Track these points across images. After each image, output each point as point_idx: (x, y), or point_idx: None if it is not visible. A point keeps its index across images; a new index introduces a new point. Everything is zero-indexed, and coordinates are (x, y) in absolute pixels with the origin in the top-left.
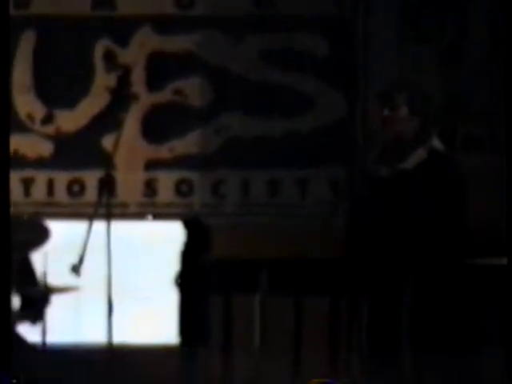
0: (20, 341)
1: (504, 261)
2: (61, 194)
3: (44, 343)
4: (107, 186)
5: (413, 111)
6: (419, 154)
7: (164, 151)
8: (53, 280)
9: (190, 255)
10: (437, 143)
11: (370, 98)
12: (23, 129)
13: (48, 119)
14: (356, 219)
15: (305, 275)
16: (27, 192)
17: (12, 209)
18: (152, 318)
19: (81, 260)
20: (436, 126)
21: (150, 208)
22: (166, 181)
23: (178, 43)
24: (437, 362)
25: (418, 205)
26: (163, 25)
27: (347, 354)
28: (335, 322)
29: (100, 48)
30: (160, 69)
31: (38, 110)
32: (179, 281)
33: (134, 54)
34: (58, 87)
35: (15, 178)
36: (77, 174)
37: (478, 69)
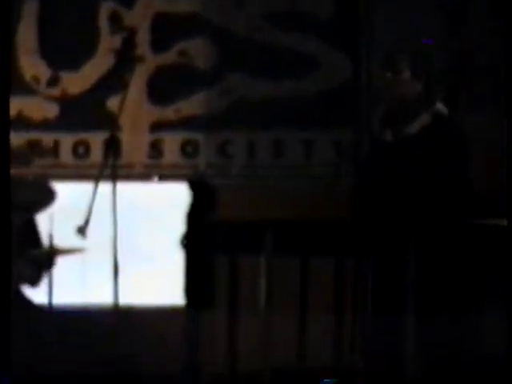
0: (26, 302)
1: (504, 222)
2: (66, 155)
3: (50, 305)
4: (113, 147)
5: (415, 74)
6: (423, 119)
7: (169, 113)
8: (59, 242)
9: (195, 216)
10: (441, 107)
11: (374, 60)
12: (28, 91)
13: (53, 81)
14: (360, 181)
15: (310, 236)
16: (32, 154)
17: (17, 171)
18: (158, 279)
19: (86, 222)
20: (439, 90)
21: (155, 169)
22: (171, 142)
23: (183, 4)
24: (439, 322)
25: (421, 167)
26: None
27: (352, 314)
28: (340, 283)
29: (105, 10)
30: (165, 30)
31: (44, 72)
32: (185, 242)
33: (139, 16)
34: (63, 49)
35: (21, 140)
36: (82, 135)
37: (481, 30)
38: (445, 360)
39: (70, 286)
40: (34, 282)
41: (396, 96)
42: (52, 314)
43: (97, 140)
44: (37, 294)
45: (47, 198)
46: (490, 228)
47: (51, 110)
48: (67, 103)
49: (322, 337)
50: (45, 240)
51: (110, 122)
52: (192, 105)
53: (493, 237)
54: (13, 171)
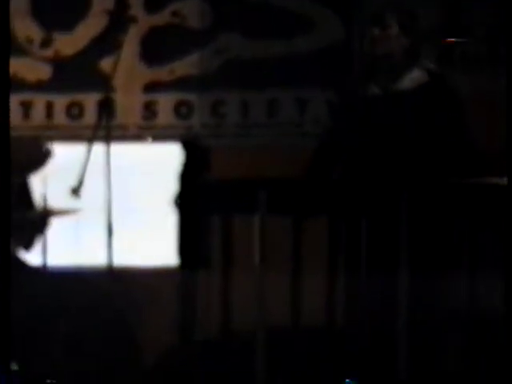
0: (20, 264)
1: (504, 181)
2: (60, 116)
3: (44, 266)
4: (106, 108)
5: (403, 30)
6: (414, 76)
7: (163, 73)
8: (52, 203)
9: (189, 176)
10: (428, 64)
11: (366, 20)
12: (21, 52)
13: (46, 42)
14: (350, 140)
15: (303, 195)
16: (26, 115)
17: (11, 132)
18: (152, 240)
19: (80, 182)
20: (430, 47)
21: (149, 130)
22: (165, 103)
23: None
24: (434, 282)
25: (414, 124)
26: None
27: (345, 273)
28: (333, 242)
29: None
30: None
31: (36, 34)
32: (178, 202)
33: None
34: (56, 10)
35: (14, 101)
36: (76, 96)
37: None
38: (438, 320)
39: (64, 247)
40: (27, 243)
41: (382, 51)
42: (46, 276)
43: (90, 101)
44: (31, 256)
45: (41, 158)
46: (489, 187)
47: (44, 71)
48: (60, 64)
49: (316, 296)
50: (38, 201)
51: (103, 83)
52: (185, 65)
53: (492, 196)
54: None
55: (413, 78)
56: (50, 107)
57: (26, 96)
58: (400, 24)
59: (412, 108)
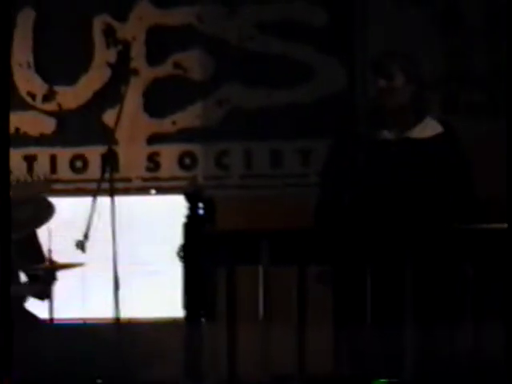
0: (28, 317)
1: (504, 226)
2: (64, 170)
3: (51, 319)
4: (110, 161)
5: (409, 79)
6: (427, 124)
7: (166, 125)
8: (58, 257)
9: (193, 228)
10: (437, 112)
11: (369, 68)
12: (24, 106)
13: (49, 96)
14: (356, 187)
15: (307, 245)
16: (30, 169)
17: (15, 187)
18: (157, 292)
19: (85, 236)
20: (435, 93)
21: (153, 182)
22: (168, 154)
23: (177, 16)
24: (439, 330)
25: (420, 171)
26: None
27: (350, 323)
28: (338, 292)
29: (99, 23)
30: (159, 42)
31: (39, 87)
32: (182, 253)
33: (133, 29)
34: (58, 63)
35: (18, 155)
36: (79, 149)
37: (478, 33)
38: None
39: (71, 300)
40: (34, 297)
41: (390, 102)
42: (53, 329)
43: (94, 154)
44: (38, 310)
45: (46, 213)
46: (489, 232)
47: (48, 125)
48: (63, 117)
49: (321, 345)
50: (45, 255)
51: (106, 136)
52: (188, 116)
53: (492, 241)
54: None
55: (425, 127)
56: (53, 161)
57: (29, 150)
58: (405, 73)
59: (424, 155)
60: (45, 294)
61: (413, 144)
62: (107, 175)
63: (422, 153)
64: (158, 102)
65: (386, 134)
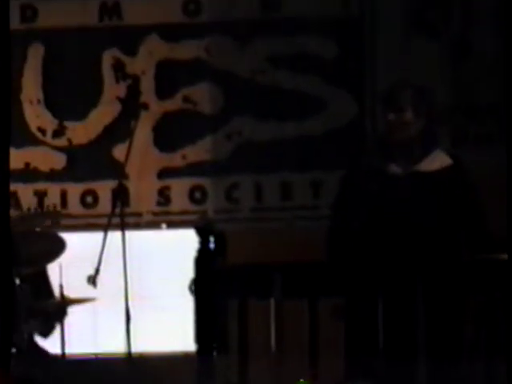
0: (39, 353)
1: (504, 256)
2: (74, 205)
3: (63, 354)
4: (120, 196)
5: (419, 112)
6: (436, 157)
7: (176, 159)
8: (69, 292)
9: (204, 262)
10: (446, 145)
11: (379, 100)
12: (35, 142)
13: (59, 131)
14: (366, 221)
15: (319, 278)
16: (41, 205)
17: (26, 222)
18: (169, 326)
19: (97, 271)
20: (444, 125)
21: (163, 216)
22: (179, 188)
23: (186, 50)
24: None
25: (429, 204)
26: (170, 32)
27: (362, 356)
28: (350, 324)
29: (108, 58)
30: (169, 76)
31: (49, 123)
32: (194, 288)
33: (143, 63)
34: (68, 99)
35: (28, 190)
36: (90, 184)
37: (487, 64)
38: None
39: (83, 335)
40: (46, 332)
41: (400, 136)
42: (65, 364)
43: (104, 189)
44: (50, 345)
45: (56, 248)
46: (489, 263)
47: (58, 160)
48: (74, 153)
49: (333, 378)
50: (55, 291)
51: (117, 171)
52: (198, 150)
53: (493, 271)
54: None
55: (434, 160)
56: (64, 196)
57: (39, 185)
58: (415, 107)
59: (432, 189)
60: (51, 331)
61: (421, 177)
62: (118, 210)
63: (430, 186)
64: (167, 136)
65: (395, 168)
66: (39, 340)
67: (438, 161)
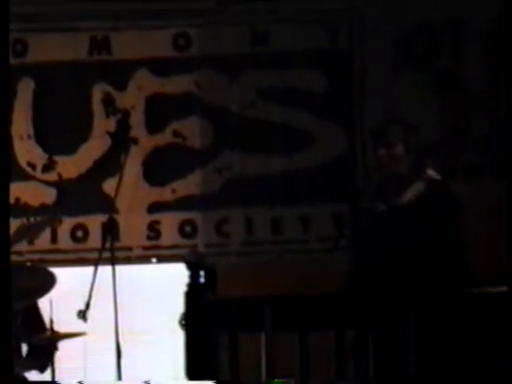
0: None
1: (504, 289)
2: (65, 240)
3: None
4: (111, 230)
5: (408, 147)
6: (417, 187)
7: (166, 193)
8: (60, 326)
9: (194, 295)
10: (432, 173)
11: (368, 133)
12: (24, 177)
13: (49, 166)
14: (357, 254)
15: (309, 311)
16: (31, 240)
17: (16, 257)
18: (159, 360)
19: (87, 305)
20: (433, 159)
21: (154, 250)
22: (169, 222)
23: (176, 84)
24: None
25: (417, 236)
26: (160, 67)
27: None
28: (341, 356)
29: (98, 92)
30: (159, 110)
31: (39, 157)
32: (184, 322)
33: (132, 97)
34: (58, 133)
35: (18, 225)
36: (80, 219)
37: (476, 96)
38: None
39: (74, 369)
40: (37, 367)
41: (389, 171)
42: None
43: (95, 223)
44: (40, 379)
45: (47, 283)
46: (489, 296)
47: (48, 195)
48: (64, 187)
49: None
50: (46, 325)
51: (107, 205)
52: (189, 184)
53: (493, 305)
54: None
55: (415, 189)
56: (54, 231)
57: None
58: (404, 141)
59: (416, 219)
60: (46, 366)
61: (404, 209)
62: (108, 244)
63: (413, 215)
64: (157, 170)
65: (381, 206)
66: (29, 375)
67: (420, 189)
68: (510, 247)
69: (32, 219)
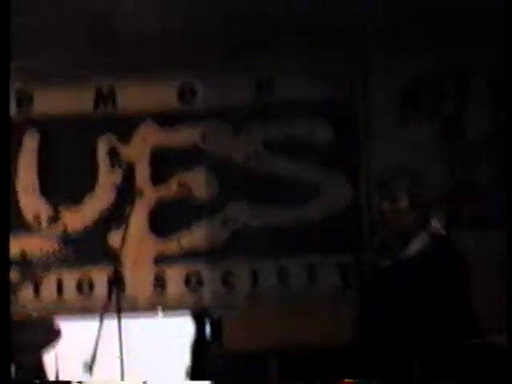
0: None
1: (503, 338)
2: (70, 292)
3: None
4: (116, 282)
5: (413, 201)
6: (421, 240)
7: (172, 244)
8: (66, 379)
9: (200, 347)
10: (436, 226)
11: (373, 185)
12: (30, 229)
13: (54, 218)
14: (363, 305)
15: (315, 361)
16: (37, 292)
17: (22, 310)
18: None
19: (93, 358)
20: (436, 210)
21: (159, 302)
22: (174, 274)
23: (181, 136)
24: None
25: (423, 288)
26: (165, 119)
27: None
28: None
29: (103, 144)
30: (164, 162)
31: (44, 210)
32: (190, 374)
33: (137, 149)
34: (63, 185)
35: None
36: (85, 271)
37: (481, 145)
38: None
39: None
40: None
41: (393, 225)
42: None
43: (100, 275)
44: None
45: (53, 335)
46: (489, 348)
47: (53, 247)
48: (69, 239)
49: None
50: (52, 378)
51: (112, 257)
52: (194, 236)
53: (493, 357)
54: (17, 310)
55: (419, 242)
56: (59, 283)
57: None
58: (409, 195)
59: (419, 272)
60: None
61: (408, 261)
62: (114, 296)
63: (416, 268)
64: (163, 221)
65: (384, 255)
66: None
67: (423, 242)
68: (510, 297)
69: (43, 256)
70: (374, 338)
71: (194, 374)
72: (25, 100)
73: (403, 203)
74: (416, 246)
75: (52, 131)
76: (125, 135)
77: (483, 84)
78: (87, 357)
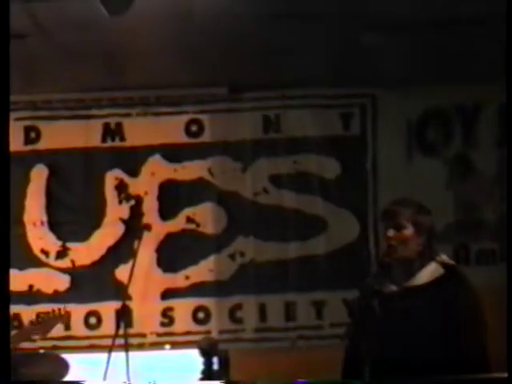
0: None
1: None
2: (78, 327)
3: None
4: (124, 317)
5: (419, 229)
6: (431, 270)
7: (179, 279)
8: None
9: (208, 382)
10: (444, 257)
11: (379, 216)
12: (38, 264)
13: (62, 252)
14: (369, 340)
15: None
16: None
17: (30, 344)
18: None
19: None
20: (445, 243)
21: (167, 337)
22: (182, 309)
23: (189, 170)
24: None
25: (428, 319)
26: (173, 153)
27: None
28: None
29: (111, 179)
30: (171, 197)
31: (52, 244)
32: None
33: (145, 184)
34: (71, 220)
35: (32, 312)
36: (93, 306)
37: (488, 181)
38: None
39: None
40: None
41: (398, 254)
42: None
43: (108, 310)
44: None
45: (61, 370)
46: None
47: (61, 282)
48: (77, 274)
49: None
50: None
51: (120, 292)
52: (201, 270)
53: None
54: (25, 344)
55: (427, 272)
56: (67, 317)
57: (43, 307)
58: (414, 223)
59: (428, 302)
60: None
61: (415, 291)
62: (121, 331)
63: (423, 299)
64: (171, 256)
65: (391, 287)
66: None
67: (432, 272)
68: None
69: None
70: (381, 371)
71: None
72: (33, 135)
73: (408, 231)
74: (426, 275)
75: (60, 166)
76: (133, 169)
77: (491, 121)
78: None
